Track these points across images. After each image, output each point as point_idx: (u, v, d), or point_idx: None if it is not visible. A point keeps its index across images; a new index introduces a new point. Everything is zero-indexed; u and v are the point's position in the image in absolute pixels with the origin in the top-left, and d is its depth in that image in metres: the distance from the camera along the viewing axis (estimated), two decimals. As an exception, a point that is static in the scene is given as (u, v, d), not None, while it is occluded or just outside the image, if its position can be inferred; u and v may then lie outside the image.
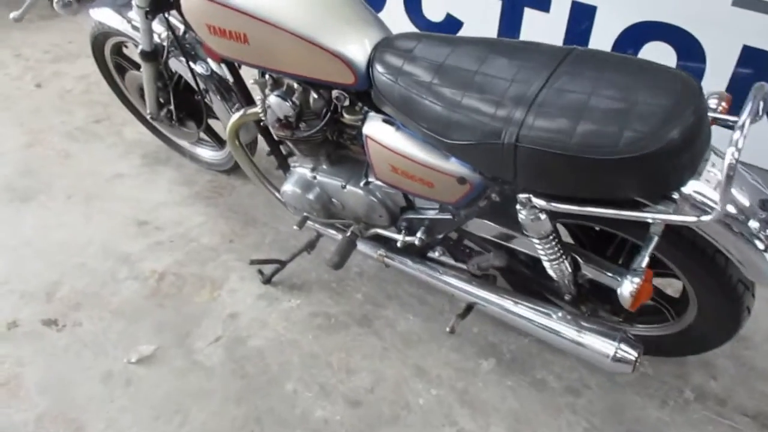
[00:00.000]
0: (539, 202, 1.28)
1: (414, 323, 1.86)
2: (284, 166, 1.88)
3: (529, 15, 2.11)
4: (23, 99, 2.86)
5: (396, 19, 2.42)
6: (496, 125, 1.21)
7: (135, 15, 1.81)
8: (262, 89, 1.63)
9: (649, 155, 1.08)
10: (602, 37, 1.99)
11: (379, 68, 1.38)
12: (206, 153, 2.38)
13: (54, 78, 3.03)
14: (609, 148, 1.10)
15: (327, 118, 1.56)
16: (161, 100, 2.07)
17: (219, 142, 2.32)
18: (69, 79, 3.02)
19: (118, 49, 2.23)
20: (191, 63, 1.89)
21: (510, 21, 2.16)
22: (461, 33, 2.30)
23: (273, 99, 1.58)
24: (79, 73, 3.05)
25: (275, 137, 1.74)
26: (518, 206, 1.34)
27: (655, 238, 1.26)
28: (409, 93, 1.33)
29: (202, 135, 2.29)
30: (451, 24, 2.30)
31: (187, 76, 1.95)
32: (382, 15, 2.26)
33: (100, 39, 2.15)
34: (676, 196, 1.18)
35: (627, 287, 1.22)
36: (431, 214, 1.61)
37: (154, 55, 1.86)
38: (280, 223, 2.19)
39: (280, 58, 1.46)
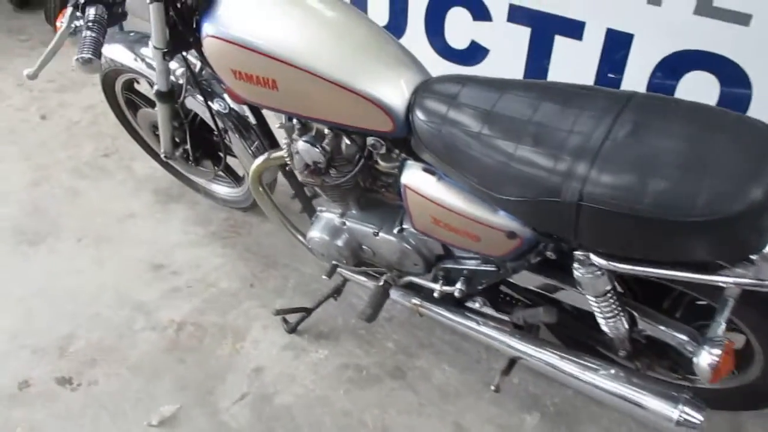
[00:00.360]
0: (600, 261, 1.18)
1: (450, 374, 1.76)
2: (309, 210, 1.78)
3: (561, 43, 2.01)
4: (29, 132, 2.76)
5: (417, 45, 2.32)
6: (555, 181, 1.11)
7: (150, 54, 1.71)
8: (289, 134, 1.53)
9: (729, 218, 0.98)
10: (639, 67, 1.89)
11: (420, 115, 1.28)
12: (222, 190, 2.27)
13: (60, 109, 2.94)
14: (684, 209, 1.00)
15: (360, 166, 1.46)
16: (176, 139, 1.98)
17: (236, 179, 2.22)
18: (75, 109, 2.92)
19: (129, 85, 2.13)
20: (209, 101, 1.79)
21: (539, 49, 2.07)
22: (487, 61, 2.20)
23: (301, 145, 1.48)
24: (86, 104, 2.95)
25: (302, 183, 1.64)
26: (575, 264, 1.24)
27: (731, 302, 1.16)
28: (455, 143, 1.23)
29: (219, 172, 2.19)
30: (476, 52, 2.21)
31: (205, 116, 1.86)
32: (402, 41, 2.17)
33: (110, 75, 2.05)
34: (755, 256, 1.08)
35: (706, 359, 1.11)
36: (472, 264, 1.51)
37: (170, 95, 1.76)
38: (303, 264, 2.08)
39: (313, 104, 1.36)
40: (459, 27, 2.22)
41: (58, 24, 1.34)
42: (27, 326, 1.89)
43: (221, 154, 1.97)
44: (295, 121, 1.49)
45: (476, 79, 1.31)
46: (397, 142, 1.39)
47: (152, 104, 1.96)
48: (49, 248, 2.16)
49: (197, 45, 1.51)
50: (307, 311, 1.85)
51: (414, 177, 1.36)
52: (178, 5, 1.46)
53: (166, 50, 1.54)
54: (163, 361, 1.79)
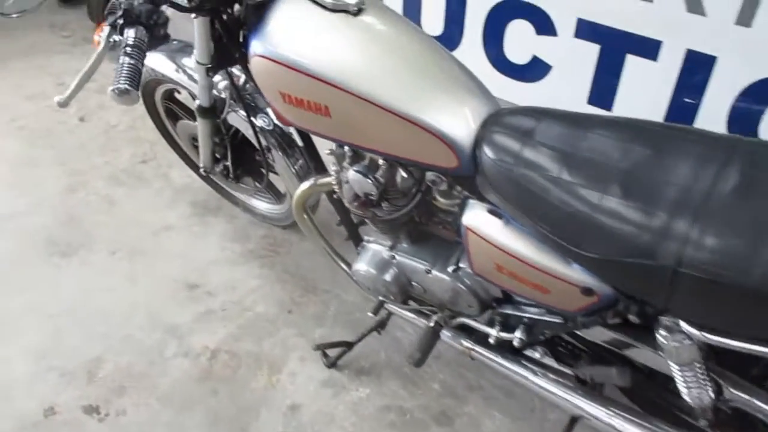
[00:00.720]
0: (691, 330, 1.03)
1: (501, 423, 1.62)
2: (355, 238, 1.66)
3: (632, 62, 1.85)
4: (66, 135, 2.69)
5: (473, 57, 2.18)
6: (647, 240, 0.96)
7: (193, 67, 1.60)
8: (338, 161, 1.40)
9: None
10: (720, 93, 1.72)
11: (488, 152, 1.14)
12: (263, 205, 2.16)
13: (98, 111, 2.86)
14: (805, 285, 0.85)
15: (416, 201, 1.33)
16: (217, 155, 1.87)
17: (278, 195, 2.10)
18: (114, 112, 2.85)
19: (169, 95, 2.03)
20: (252, 117, 1.68)
21: (608, 68, 1.91)
22: (549, 78, 2.05)
23: (352, 174, 1.35)
24: (125, 106, 2.86)
25: (351, 212, 1.52)
26: (660, 330, 1.09)
27: None
28: (529, 186, 1.08)
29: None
30: (537, 67, 2.06)
31: (247, 132, 1.75)
32: (456, 53, 2.03)
33: (151, 84, 1.96)
34: None
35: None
36: (535, 312, 1.36)
37: (212, 111, 1.65)
38: (344, 290, 1.96)
39: (368, 134, 1.23)
40: (520, 40, 2.07)
41: (96, 38, 1.23)
42: (56, 346, 1.80)
43: (263, 171, 1.86)
44: (346, 148, 1.36)
45: (554, 113, 1.17)
46: (459, 179, 1.25)
47: (193, 116, 1.86)
48: (82, 261, 2.08)
49: (243, 61, 1.39)
50: (349, 345, 1.73)
51: (477, 219, 1.22)
52: (225, 17, 1.34)
53: (209, 65, 1.43)
54: (194, 391, 1.69)
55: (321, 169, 1.62)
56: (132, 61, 1.00)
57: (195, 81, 1.66)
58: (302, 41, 1.22)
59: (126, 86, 0.97)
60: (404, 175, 1.31)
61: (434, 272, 1.42)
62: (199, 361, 1.76)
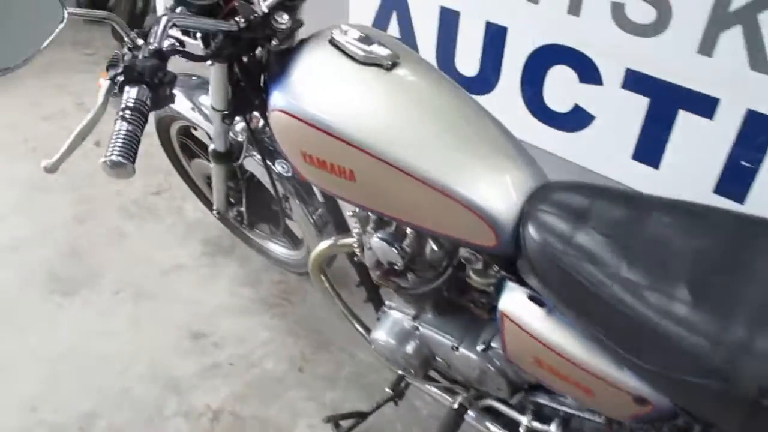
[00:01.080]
0: (768, 461, 0.88)
1: None
2: (376, 301, 1.52)
3: (685, 119, 1.70)
4: (80, 159, 2.52)
5: (508, 102, 2.04)
6: (721, 358, 0.81)
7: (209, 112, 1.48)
8: (362, 225, 1.27)
9: None
10: (784, 158, 1.57)
11: (533, 233, 0.99)
12: (279, 250, 2.02)
13: (115, 135, 2.76)
14: None
15: (446, 276, 1.19)
16: (231, 200, 1.75)
17: (294, 241, 1.97)
18: (131, 137, 2.74)
19: (185, 130, 1.91)
20: (269, 162, 1.55)
21: (657, 123, 1.76)
22: (591, 129, 1.90)
23: (376, 241, 1.22)
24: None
25: (373, 279, 1.38)
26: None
27: None
28: (579, 278, 0.94)
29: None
30: (579, 117, 1.91)
31: (264, 178, 1.62)
32: (490, 99, 1.89)
33: (166, 120, 1.84)
34: None
35: None
36: (575, 407, 1.21)
37: (227, 155, 1.53)
38: (360, 349, 1.82)
39: (396, 203, 1.10)
40: (561, 87, 1.93)
41: (101, 81, 1.11)
42: (49, 395, 1.68)
43: (279, 217, 1.73)
44: (371, 212, 1.23)
45: (610, 191, 1.03)
46: (497, 258, 1.11)
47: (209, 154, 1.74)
48: (84, 300, 1.96)
49: (262, 108, 1.27)
50: (362, 416, 1.58)
51: (516, 305, 1.07)
52: (245, 60, 1.22)
53: (226, 112, 1.31)
54: (192, 458, 1.55)
55: (342, 226, 1.50)
56: (130, 128, 0.87)
57: (211, 122, 1.54)
58: (328, 97, 1.09)
59: (120, 159, 0.84)
60: (434, 247, 1.18)
61: (461, 349, 1.28)
62: (200, 423, 1.62)
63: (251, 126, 1.44)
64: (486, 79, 2.09)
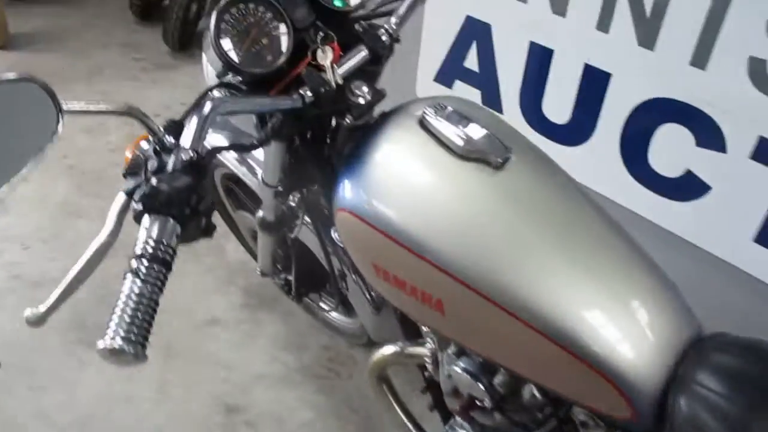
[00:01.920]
0: None
1: None
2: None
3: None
4: (116, 182, 2.36)
5: (604, 161, 1.74)
6: None
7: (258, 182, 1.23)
8: (440, 343, 1.01)
9: None
10: None
11: (685, 409, 0.72)
12: (330, 313, 1.77)
13: (157, 154, 2.56)
14: None
15: (549, 428, 0.92)
16: (278, 266, 1.51)
17: (349, 309, 1.71)
18: (174, 159, 2.53)
19: (231, 176, 1.67)
20: (324, 235, 1.29)
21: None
22: (703, 201, 1.59)
23: (458, 372, 0.96)
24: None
25: (448, 407, 1.12)
26: None
27: None
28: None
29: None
30: (691, 185, 1.60)
31: (318, 253, 1.36)
32: (581, 151, 1.63)
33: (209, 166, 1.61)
34: None
35: None
36: None
37: (278, 225, 1.29)
38: (415, 443, 1.56)
39: (498, 348, 0.83)
40: (672, 149, 1.62)
41: (126, 155, 0.87)
42: (58, 474, 1.47)
43: (332, 291, 1.48)
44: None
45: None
46: (626, 424, 0.84)
47: (257, 202, 1.49)
48: (109, 355, 1.75)
49: (323, 183, 1.01)
50: None
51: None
52: (307, 136, 0.97)
53: (278, 188, 1.07)
54: None
55: (411, 329, 1.23)
56: (145, 292, 0.60)
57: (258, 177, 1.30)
58: (413, 202, 0.82)
59: (120, 344, 0.56)
60: (537, 394, 0.91)
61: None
62: None
63: (307, 198, 1.19)
64: (579, 129, 1.80)
